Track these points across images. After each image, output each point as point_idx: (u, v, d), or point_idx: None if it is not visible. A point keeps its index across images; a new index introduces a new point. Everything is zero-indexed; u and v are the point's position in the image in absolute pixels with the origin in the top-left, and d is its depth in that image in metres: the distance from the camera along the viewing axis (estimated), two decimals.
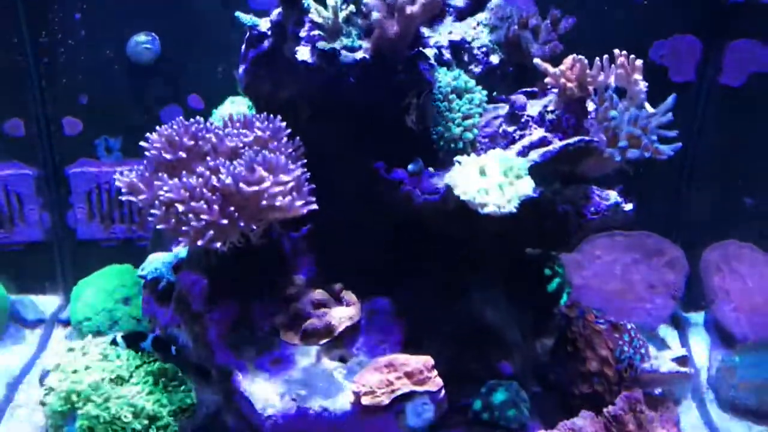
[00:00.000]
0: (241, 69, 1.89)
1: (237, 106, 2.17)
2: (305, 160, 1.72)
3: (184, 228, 1.58)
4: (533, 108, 1.77)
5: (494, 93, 1.86)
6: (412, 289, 1.86)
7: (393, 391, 1.61)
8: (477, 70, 1.85)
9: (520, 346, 1.91)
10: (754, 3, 2.43)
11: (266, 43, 1.81)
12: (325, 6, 1.64)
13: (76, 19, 2.45)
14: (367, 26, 1.65)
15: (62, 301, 2.73)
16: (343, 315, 1.79)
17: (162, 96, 2.55)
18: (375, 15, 1.61)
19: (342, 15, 1.65)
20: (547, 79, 1.73)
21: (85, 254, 2.71)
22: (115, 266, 2.58)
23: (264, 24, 1.81)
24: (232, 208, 1.58)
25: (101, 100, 2.55)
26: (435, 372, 1.66)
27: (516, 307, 1.95)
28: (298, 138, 1.76)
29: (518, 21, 1.85)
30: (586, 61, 1.67)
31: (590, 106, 1.74)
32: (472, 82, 1.77)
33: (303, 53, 1.68)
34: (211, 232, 1.57)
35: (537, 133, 1.73)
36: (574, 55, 1.70)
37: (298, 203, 1.64)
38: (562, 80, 1.70)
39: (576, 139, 1.66)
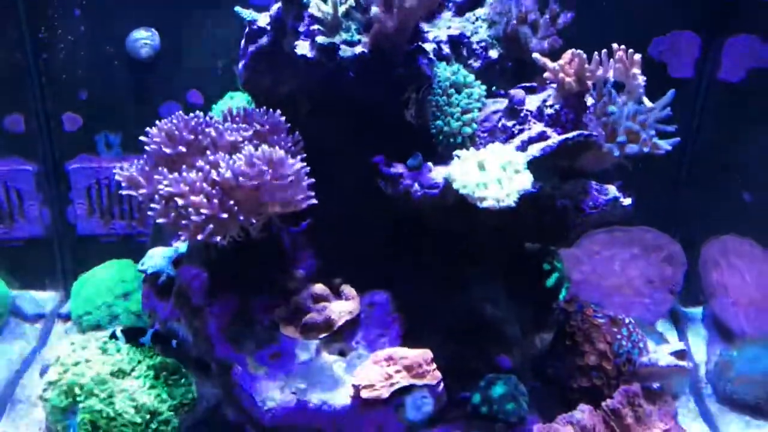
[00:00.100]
0: (240, 64, 1.90)
1: (237, 101, 2.18)
2: (305, 155, 1.73)
3: (183, 222, 1.59)
4: (532, 103, 1.78)
5: (493, 88, 1.86)
6: (411, 283, 1.87)
7: (392, 385, 1.62)
8: (476, 64, 1.85)
9: (519, 341, 1.91)
10: None
11: (266, 38, 1.82)
12: (324, 1, 1.65)
13: (75, 15, 2.45)
14: (367, 21, 1.66)
15: (62, 296, 2.74)
16: (342, 309, 1.79)
17: (162, 92, 2.55)
18: (374, 10, 1.61)
19: (341, 10, 1.65)
20: (546, 74, 1.74)
21: (85, 250, 2.72)
22: (115, 261, 2.58)
23: (263, 19, 1.82)
24: (231, 202, 1.59)
25: (101, 95, 2.55)
26: (434, 365, 1.67)
27: (515, 301, 1.95)
28: (297, 132, 1.76)
29: (517, 16, 1.85)
30: (584, 56, 1.68)
31: (589, 100, 1.74)
32: (471, 77, 1.78)
33: (302, 48, 1.69)
34: (211, 226, 1.58)
35: (536, 127, 1.73)
36: (573, 49, 1.70)
37: (298, 197, 1.65)
38: (561, 75, 1.70)
39: (575, 133, 1.67)
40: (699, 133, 2.60)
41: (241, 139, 1.70)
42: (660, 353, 1.93)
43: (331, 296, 1.83)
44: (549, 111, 1.74)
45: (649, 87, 1.69)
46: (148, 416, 1.73)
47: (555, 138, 1.68)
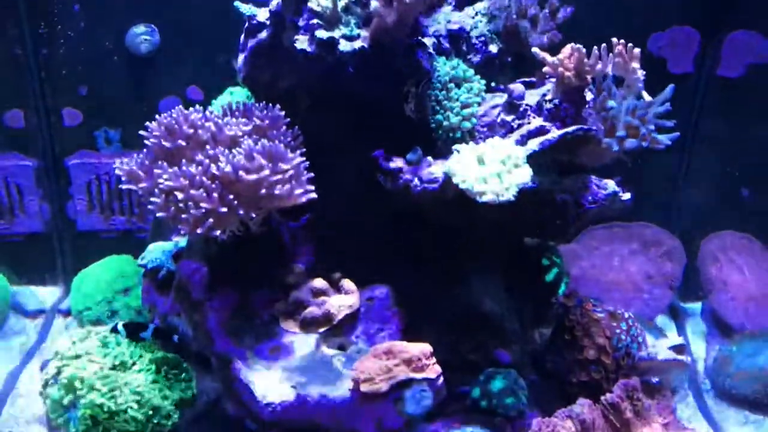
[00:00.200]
0: (240, 59, 1.90)
1: (236, 96, 2.18)
2: (304, 149, 1.73)
3: (183, 216, 1.59)
4: (531, 97, 1.78)
5: (492, 83, 1.86)
6: (411, 277, 1.87)
7: (391, 378, 1.62)
8: (475, 59, 1.85)
9: (519, 335, 1.92)
10: None
11: (265, 33, 1.82)
12: None
13: (75, 10, 2.45)
14: (366, 15, 1.66)
15: (62, 291, 2.74)
16: (342, 303, 1.80)
17: (161, 87, 2.56)
18: (374, 4, 1.62)
19: (340, 4, 1.65)
20: (546, 68, 1.74)
21: (84, 245, 2.72)
22: (115, 257, 2.58)
23: (263, 14, 1.82)
24: (231, 196, 1.59)
25: (101, 91, 2.55)
26: (433, 359, 1.67)
27: (514, 296, 1.96)
28: (297, 127, 1.77)
29: (517, 10, 1.85)
30: (584, 50, 1.68)
31: (588, 95, 1.74)
32: (470, 72, 1.78)
33: (302, 42, 1.69)
34: (211, 220, 1.58)
35: (535, 122, 1.73)
36: (572, 44, 1.71)
37: (297, 191, 1.65)
38: (560, 69, 1.70)
39: (574, 128, 1.67)
40: (698, 129, 2.60)
41: (240, 133, 1.70)
42: (659, 348, 1.93)
43: (331, 290, 1.83)
44: (548, 105, 1.74)
45: (649, 82, 1.69)
46: (149, 410, 1.73)
47: (554, 132, 1.68)
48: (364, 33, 1.67)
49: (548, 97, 1.75)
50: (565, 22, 1.89)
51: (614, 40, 1.66)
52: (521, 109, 1.76)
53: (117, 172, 1.68)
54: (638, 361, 1.89)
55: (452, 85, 1.75)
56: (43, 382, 1.90)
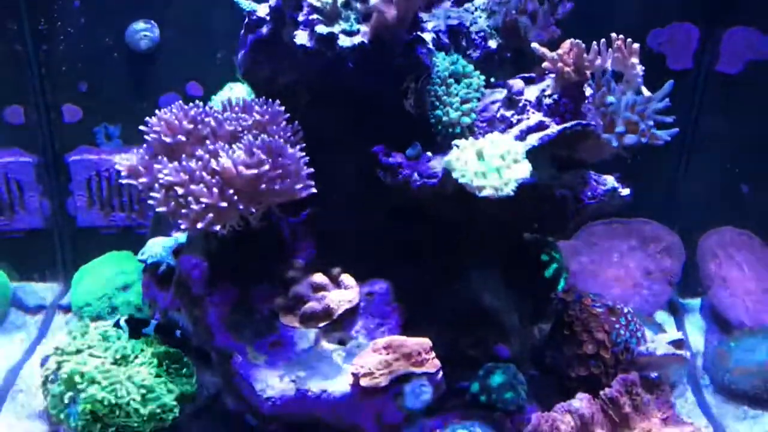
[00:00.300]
0: (240, 54, 1.90)
1: (236, 91, 2.18)
2: (304, 144, 1.73)
3: (183, 211, 1.60)
4: (531, 93, 1.78)
5: (492, 78, 1.86)
6: (411, 273, 1.87)
7: (391, 373, 1.63)
8: (475, 54, 1.85)
9: (518, 330, 1.92)
10: None
11: (265, 29, 1.82)
12: None
13: (75, 6, 2.46)
14: (366, 10, 1.66)
15: (62, 287, 2.75)
16: (341, 298, 1.80)
17: (161, 83, 2.56)
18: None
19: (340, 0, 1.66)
20: (545, 64, 1.74)
21: (85, 241, 2.73)
22: (115, 253, 2.59)
23: (263, 9, 1.82)
24: (231, 191, 1.59)
25: (101, 87, 2.56)
26: (433, 354, 1.67)
27: (514, 291, 1.96)
28: (296, 122, 1.77)
29: (516, 6, 1.86)
30: (583, 45, 1.68)
31: (588, 90, 1.74)
32: (470, 67, 1.78)
33: (301, 37, 1.69)
34: (211, 215, 1.58)
35: (534, 117, 1.73)
36: (572, 39, 1.71)
37: (297, 186, 1.66)
38: (560, 64, 1.71)
39: (573, 123, 1.67)
40: (697, 125, 2.60)
41: (240, 128, 1.70)
42: (658, 342, 1.94)
43: (331, 286, 1.83)
44: (548, 101, 1.74)
45: (648, 78, 1.70)
46: (151, 404, 1.74)
47: (554, 127, 1.68)
48: (363, 28, 1.67)
49: (547, 93, 1.75)
50: (564, 18, 1.89)
51: (613, 35, 1.66)
52: (520, 104, 1.76)
53: (117, 167, 1.69)
54: (637, 356, 1.90)
55: (452, 80, 1.76)
56: (43, 378, 1.91)
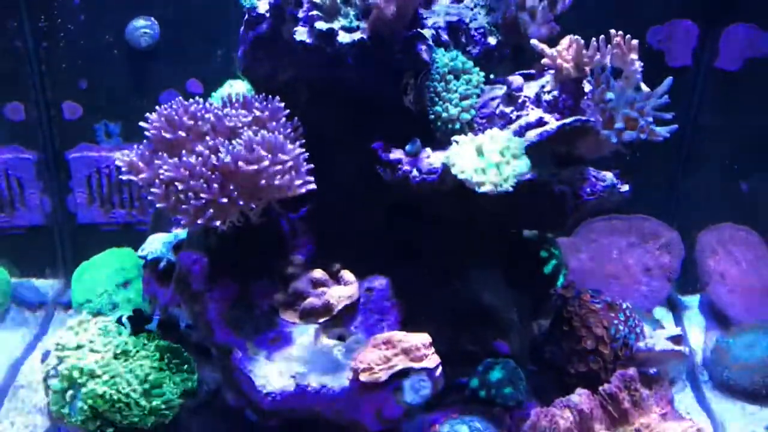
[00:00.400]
0: (240, 51, 1.90)
1: (236, 88, 2.18)
2: (304, 141, 1.73)
3: (183, 207, 1.60)
4: (530, 89, 1.78)
5: (491, 75, 1.86)
6: (410, 269, 1.88)
7: (391, 368, 1.63)
8: (474, 51, 1.85)
9: (517, 326, 1.93)
10: None
11: (265, 25, 1.82)
12: None
13: (75, 4, 2.46)
14: (365, 7, 1.66)
15: (63, 284, 2.75)
16: (341, 294, 1.81)
17: (161, 81, 2.56)
18: None
19: None
20: (544, 60, 1.74)
21: (85, 238, 2.74)
22: (115, 249, 2.60)
23: (263, 6, 1.82)
24: (231, 187, 1.60)
25: (101, 84, 2.56)
26: (432, 349, 1.68)
27: (513, 288, 1.96)
28: (296, 118, 1.77)
29: (516, 2, 1.86)
30: (582, 42, 1.68)
31: (587, 87, 1.75)
32: (469, 63, 1.78)
33: (301, 34, 1.69)
34: (211, 210, 1.59)
35: (534, 113, 1.73)
36: (571, 35, 1.71)
37: (297, 182, 1.66)
38: (559, 61, 1.71)
39: (572, 119, 1.67)
40: (697, 122, 2.61)
41: (240, 124, 1.71)
42: (657, 338, 1.94)
43: (330, 282, 1.84)
44: (547, 97, 1.74)
45: (647, 76, 1.70)
46: (155, 399, 1.74)
47: (553, 123, 1.69)
48: (363, 25, 1.67)
49: (547, 89, 1.76)
50: (563, 15, 1.89)
51: (612, 31, 1.67)
52: (520, 100, 1.76)
53: (117, 162, 1.69)
54: (636, 352, 1.90)
55: (451, 76, 1.76)
56: (44, 374, 1.91)
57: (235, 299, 1.78)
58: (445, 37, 1.79)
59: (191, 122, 1.70)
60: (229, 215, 1.65)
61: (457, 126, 1.76)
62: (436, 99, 1.75)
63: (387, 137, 1.77)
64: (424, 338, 1.68)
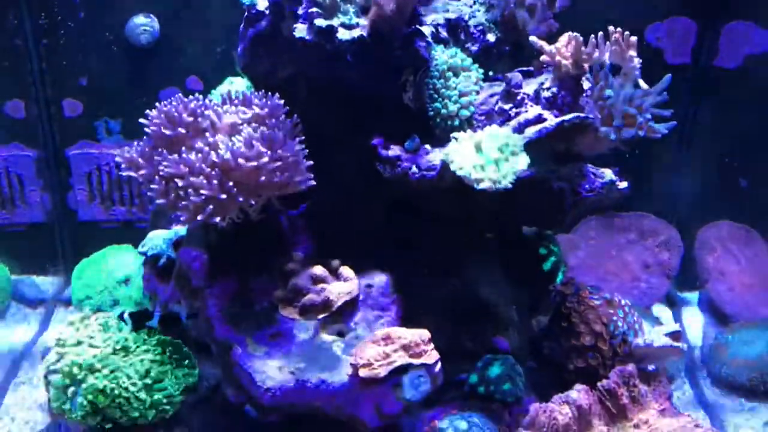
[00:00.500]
0: (239, 48, 1.91)
1: (236, 86, 2.19)
2: (303, 137, 1.74)
3: (183, 203, 1.60)
4: (529, 86, 1.78)
5: (490, 72, 1.87)
6: (410, 266, 1.88)
7: (390, 364, 1.63)
8: (473, 48, 1.86)
9: (516, 323, 1.93)
10: None
11: (264, 22, 1.82)
12: None
13: (75, 1, 2.46)
14: (365, 4, 1.66)
15: (63, 281, 2.76)
16: (341, 290, 1.81)
17: (161, 78, 2.57)
18: None
19: None
20: (543, 57, 1.74)
21: (85, 235, 2.74)
22: (116, 246, 2.60)
23: (262, 3, 1.83)
24: (231, 183, 1.60)
25: (101, 81, 2.57)
26: (431, 345, 1.68)
27: (512, 284, 1.97)
28: (296, 115, 1.78)
29: (515, 0, 1.86)
30: (581, 39, 1.69)
31: (586, 84, 1.75)
32: (468, 60, 1.79)
33: (300, 31, 1.70)
34: (210, 207, 1.59)
35: (533, 110, 1.74)
36: (570, 32, 1.71)
37: (297, 179, 1.66)
38: (558, 58, 1.71)
39: (571, 115, 1.68)
40: (696, 119, 2.61)
41: (240, 121, 1.71)
42: (655, 334, 1.94)
43: (330, 278, 1.84)
44: (546, 94, 1.75)
45: (647, 73, 1.70)
46: (156, 394, 1.75)
47: (551, 120, 1.69)
48: (362, 22, 1.68)
49: (546, 86, 1.76)
50: (562, 12, 1.90)
51: (611, 28, 1.67)
52: (519, 97, 1.77)
53: (117, 159, 1.70)
54: (635, 348, 1.91)
55: (450, 73, 1.76)
56: (44, 370, 1.92)
57: (234, 295, 1.79)
58: (444, 34, 1.80)
59: (191, 119, 1.70)
60: (229, 212, 1.65)
61: (456, 123, 1.76)
62: (435, 96, 1.75)
63: (386, 134, 1.77)
64: (423, 334, 1.69)
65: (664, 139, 1.71)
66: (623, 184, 1.83)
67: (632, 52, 1.66)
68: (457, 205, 1.76)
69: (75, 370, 1.74)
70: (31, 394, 2.22)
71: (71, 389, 1.75)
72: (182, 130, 1.68)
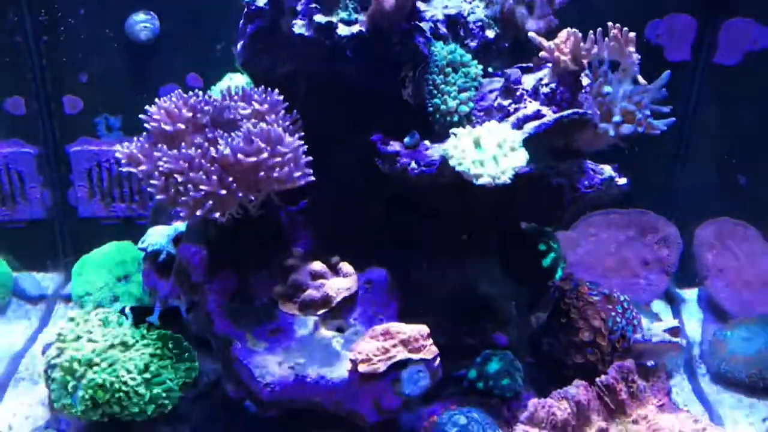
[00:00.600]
0: (239, 45, 1.91)
1: (236, 82, 2.19)
2: (303, 133, 1.74)
3: (183, 198, 1.61)
4: (528, 82, 1.79)
5: (489, 68, 1.87)
6: (409, 262, 1.89)
7: (389, 359, 1.64)
8: (472, 44, 1.86)
9: (515, 318, 1.94)
10: None
11: (264, 19, 1.82)
12: None
13: None
14: None
15: (63, 277, 2.76)
16: (340, 286, 1.81)
17: (161, 75, 2.57)
18: None
19: None
20: (542, 53, 1.75)
21: (85, 232, 2.75)
22: (116, 243, 2.60)
23: None
24: (230, 179, 1.60)
25: (101, 78, 2.57)
26: (430, 340, 1.68)
27: (511, 280, 1.97)
28: (295, 111, 1.78)
29: None
30: (579, 35, 1.69)
31: (584, 80, 1.75)
32: (468, 56, 1.79)
33: (300, 27, 1.70)
34: (210, 202, 1.60)
35: (531, 106, 1.74)
36: (569, 29, 1.72)
37: (296, 174, 1.67)
38: (557, 54, 1.71)
39: (570, 111, 1.68)
40: (695, 116, 2.61)
41: (239, 117, 1.72)
42: (654, 330, 1.95)
43: (329, 274, 1.85)
44: (545, 90, 1.75)
45: (646, 70, 1.71)
46: (156, 388, 1.75)
47: (550, 116, 1.69)
48: (361, 17, 1.68)
49: (545, 82, 1.76)
50: (562, 9, 1.90)
51: (610, 24, 1.67)
52: (518, 93, 1.77)
53: (117, 155, 1.70)
54: (633, 344, 1.91)
55: (449, 69, 1.76)
56: (45, 366, 1.92)
57: (234, 291, 1.79)
58: (443, 30, 1.80)
59: (190, 114, 1.71)
60: (228, 207, 1.65)
61: (456, 118, 1.76)
62: (435, 92, 1.76)
63: (386, 130, 1.77)
64: (422, 329, 1.69)
65: (663, 136, 1.71)
66: (622, 181, 1.83)
67: (631, 48, 1.67)
68: (456, 201, 1.77)
69: (75, 365, 1.75)
70: (32, 390, 2.23)
71: (71, 384, 1.76)
72: (182, 126, 1.69)
